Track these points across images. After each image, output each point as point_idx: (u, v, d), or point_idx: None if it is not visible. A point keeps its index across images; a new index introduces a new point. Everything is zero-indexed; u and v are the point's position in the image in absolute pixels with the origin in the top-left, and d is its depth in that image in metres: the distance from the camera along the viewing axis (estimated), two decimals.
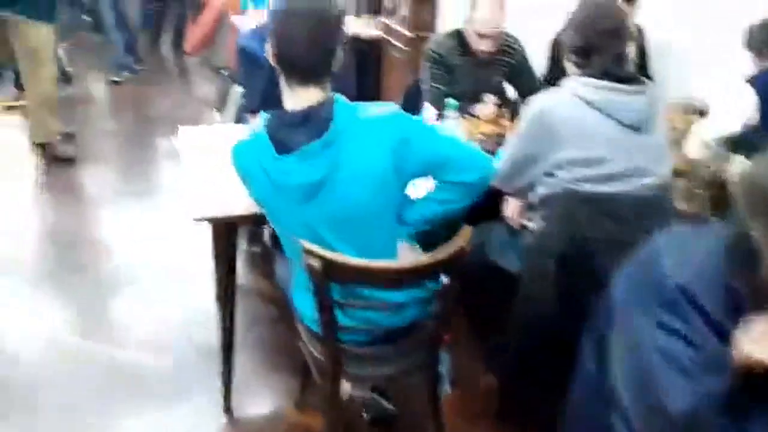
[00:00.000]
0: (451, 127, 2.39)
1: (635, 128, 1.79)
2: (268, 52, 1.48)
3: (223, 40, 5.74)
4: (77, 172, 3.92)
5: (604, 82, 1.78)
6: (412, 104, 3.06)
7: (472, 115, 2.70)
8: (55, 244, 3.16)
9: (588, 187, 1.78)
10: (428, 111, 2.48)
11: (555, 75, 3.03)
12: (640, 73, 2.67)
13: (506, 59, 2.82)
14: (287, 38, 1.43)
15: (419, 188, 1.73)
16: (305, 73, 1.45)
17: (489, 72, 2.83)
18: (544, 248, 1.86)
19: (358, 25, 4.53)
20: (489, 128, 2.65)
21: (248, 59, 2.47)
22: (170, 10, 6.75)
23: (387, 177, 1.49)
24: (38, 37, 3.59)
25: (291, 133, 1.44)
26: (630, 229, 1.72)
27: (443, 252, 1.52)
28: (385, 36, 3.73)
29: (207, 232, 2.63)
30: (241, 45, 2.49)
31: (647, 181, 1.79)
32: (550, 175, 1.87)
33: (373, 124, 1.47)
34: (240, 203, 1.92)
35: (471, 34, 2.67)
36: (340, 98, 1.49)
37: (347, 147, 1.44)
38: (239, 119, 2.77)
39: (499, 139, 2.47)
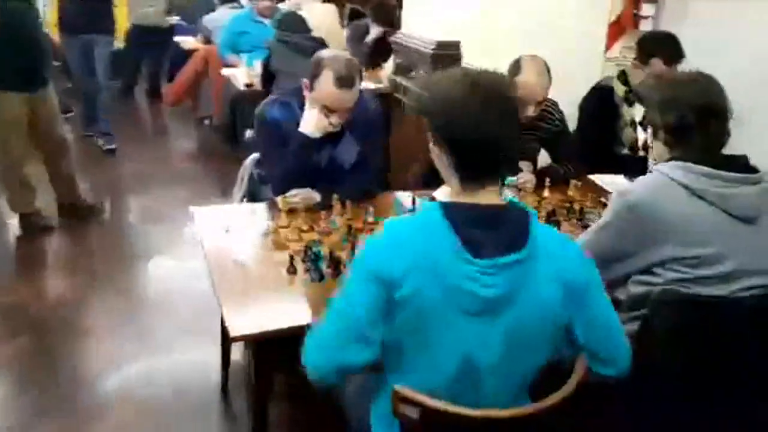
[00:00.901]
0: None
1: (747, 221, 1.56)
2: (432, 150, 1.28)
3: (206, 90, 5.46)
4: (53, 242, 3.53)
5: (710, 169, 1.55)
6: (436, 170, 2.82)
7: (515, 186, 2.46)
8: (30, 328, 2.75)
9: (699, 290, 1.54)
10: None
11: (584, 142, 2.86)
12: None
13: (544, 125, 2.60)
14: (466, 130, 1.20)
15: None
16: (484, 171, 1.24)
17: (524, 138, 2.60)
18: (641, 363, 1.59)
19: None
20: (533, 199, 2.42)
21: (272, 131, 2.19)
22: (145, 59, 6.45)
23: (557, 321, 1.27)
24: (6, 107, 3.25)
25: (483, 235, 1.19)
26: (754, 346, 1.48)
27: (554, 398, 1.24)
28: (395, 94, 3.51)
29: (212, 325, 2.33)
30: (265, 115, 2.21)
31: (764, 281, 1.56)
32: (646, 272, 1.62)
33: (566, 256, 1.27)
34: (282, 314, 1.63)
35: None
36: (531, 210, 1.28)
37: (538, 269, 1.22)
38: (254, 193, 2.46)
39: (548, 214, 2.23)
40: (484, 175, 1.24)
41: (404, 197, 2.31)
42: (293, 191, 2.15)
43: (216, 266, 1.80)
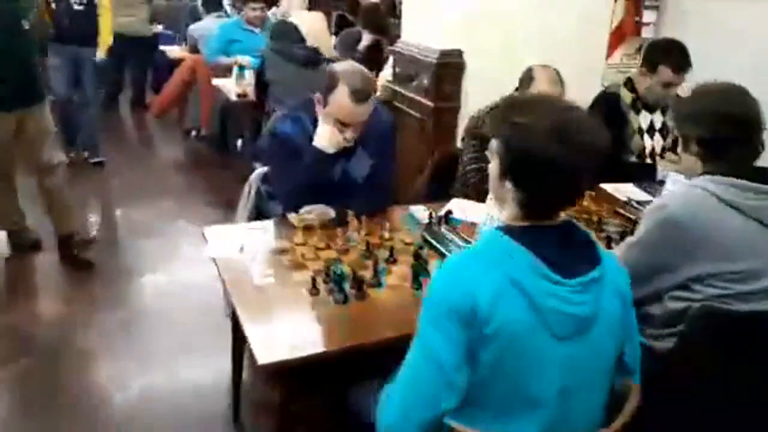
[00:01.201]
0: None
1: None
2: (495, 176, 1.20)
3: (194, 100, 5.36)
4: (44, 259, 3.41)
5: (744, 182, 1.53)
6: (443, 178, 2.77)
7: None
8: (27, 349, 2.63)
9: (740, 306, 1.50)
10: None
11: None
12: None
13: None
14: (543, 171, 1.14)
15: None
16: (554, 207, 1.20)
17: None
18: (679, 380, 1.55)
19: None
20: None
21: (284, 146, 2.11)
22: (129, 69, 6.31)
23: (621, 337, 1.24)
24: None
25: (560, 254, 1.14)
26: None
27: (615, 425, 1.20)
28: (395, 103, 3.45)
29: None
30: (276, 130, 2.13)
31: None
32: (683, 288, 1.59)
33: (616, 268, 1.25)
34: (309, 339, 1.56)
35: None
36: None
37: (606, 284, 1.18)
38: (261, 210, 2.39)
39: None
40: (552, 209, 1.19)
41: (419, 211, 2.26)
42: (307, 207, 2.08)
43: (235, 289, 1.72)
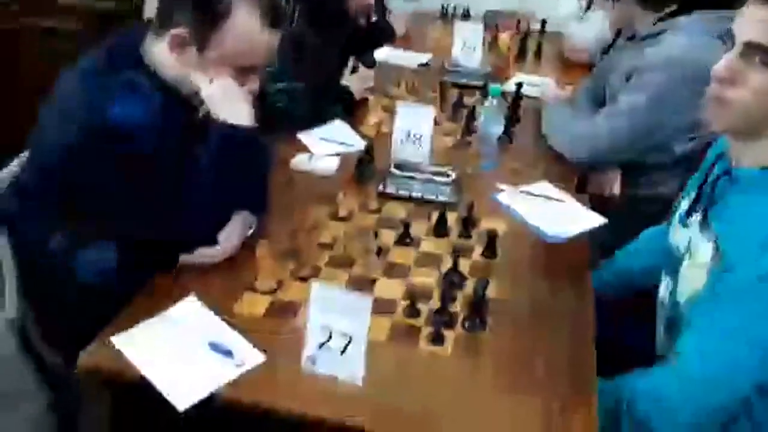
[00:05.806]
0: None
1: None
2: None
3: None
4: None
5: None
6: None
7: None
8: None
9: None
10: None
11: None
12: None
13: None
14: None
15: None
16: None
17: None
18: None
19: None
20: None
21: (141, 151, 1.05)
22: None
23: None
24: None
25: None
26: None
27: None
28: None
29: None
30: (117, 121, 1.01)
31: None
32: None
33: None
34: None
35: None
36: None
37: None
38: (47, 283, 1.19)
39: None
40: None
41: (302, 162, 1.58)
42: (202, 250, 1.16)
43: None
